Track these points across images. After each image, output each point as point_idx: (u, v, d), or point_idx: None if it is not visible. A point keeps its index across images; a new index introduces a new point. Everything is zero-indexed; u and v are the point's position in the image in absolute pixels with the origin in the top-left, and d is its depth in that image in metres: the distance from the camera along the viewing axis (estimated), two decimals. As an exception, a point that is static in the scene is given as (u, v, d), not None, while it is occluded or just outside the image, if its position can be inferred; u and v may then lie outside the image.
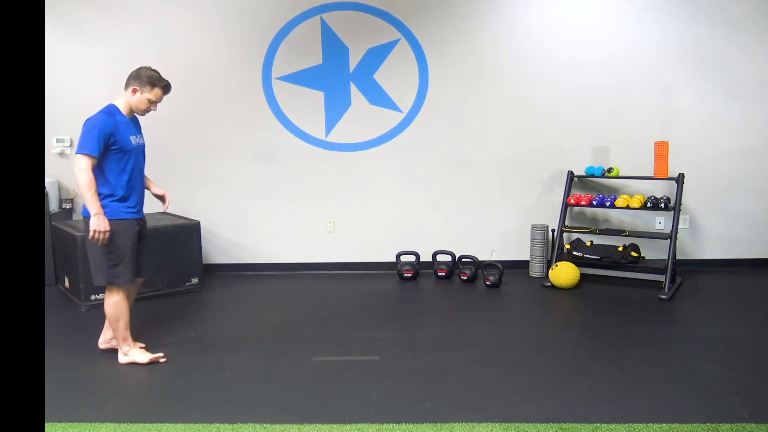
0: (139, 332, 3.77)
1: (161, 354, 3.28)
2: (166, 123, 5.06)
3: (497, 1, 4.94)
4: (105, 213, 3.02)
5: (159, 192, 3.47)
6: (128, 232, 3.11)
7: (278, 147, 5.09)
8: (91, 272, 3.17)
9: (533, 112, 5.04)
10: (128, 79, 3.15)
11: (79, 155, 2.97)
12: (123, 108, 3.14)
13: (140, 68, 3.16)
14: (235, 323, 3.96)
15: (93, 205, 2.97)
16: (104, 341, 3.43)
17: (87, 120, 3.04)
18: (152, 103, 3.17)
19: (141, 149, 3.23)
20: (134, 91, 3.12)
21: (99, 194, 3.02)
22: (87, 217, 3.06)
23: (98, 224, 2.98)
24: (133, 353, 3.24)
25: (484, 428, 2.53)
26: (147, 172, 5.06)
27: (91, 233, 3.00)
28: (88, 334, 3.79)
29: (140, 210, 3.23)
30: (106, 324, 3.35)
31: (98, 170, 3.04)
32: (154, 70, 3.17)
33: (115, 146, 3.04)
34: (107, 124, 3.01)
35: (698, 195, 5.04)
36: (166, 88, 3.19)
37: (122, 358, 3.24)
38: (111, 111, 3.09)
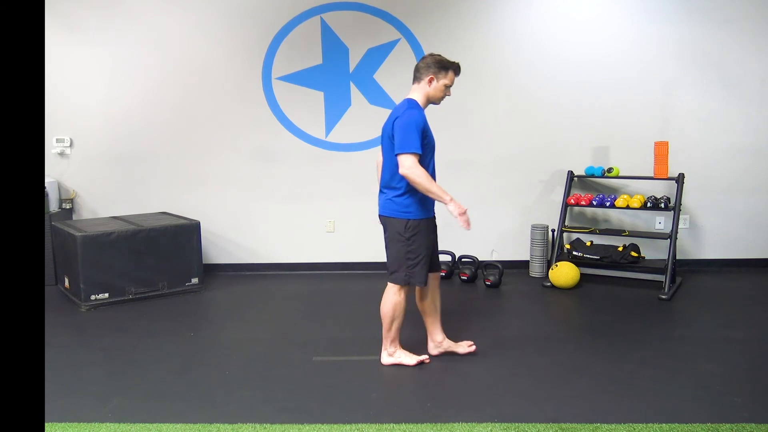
0: (140, 332, 3.78)
1: (426, 356, 3.21)
2: (167, 123, 5.08)
3: (497, 1, 4.95)
4: (411, 213, 2.97)
5: None
6: (428, 230, 3.04)
7: (278, 147, 5.09)
8: (389, 270, 3.09)
9: (533, 111, 5.04)
10: (418, 71, 3.05)
11: (404, 155, 2.86)
12: (421, 101, 3.04)
13: (425, 57, 3.05)
14: (235, 323, 3.96)
15: (443, 193, 2.87)
16: (435, 346, 3.28)
17: (400, 117, 2.93)
18: (447, 88, 3.06)
19: None
20: (430, 80, 3.01)
21: (407, 191, 2.95)
22: (389, 216, 3.00)
23: (459, 208, 2.88)
24: (399, 354, 3.17)
25: (484, 428, 2.53)
26: (148, 171, 5.12)
27: (462, 222, 2.89)
28: (88, 334, 3.80)
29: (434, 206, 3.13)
30: (430, 329, 3.24)
31: None
32: (439, 54, 3.06)
33: (425, 141, 2.95)
34: (421, 118, 2.93)
35: (698, 195, 5.04)
36: (457, 68, 3.05)
37: (386, 359, 3.17)
38: (416, 106, 3.00)
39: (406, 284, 3.06)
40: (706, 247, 5.16)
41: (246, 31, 4.98)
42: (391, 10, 4.93)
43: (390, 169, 3.00)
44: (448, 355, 3.31)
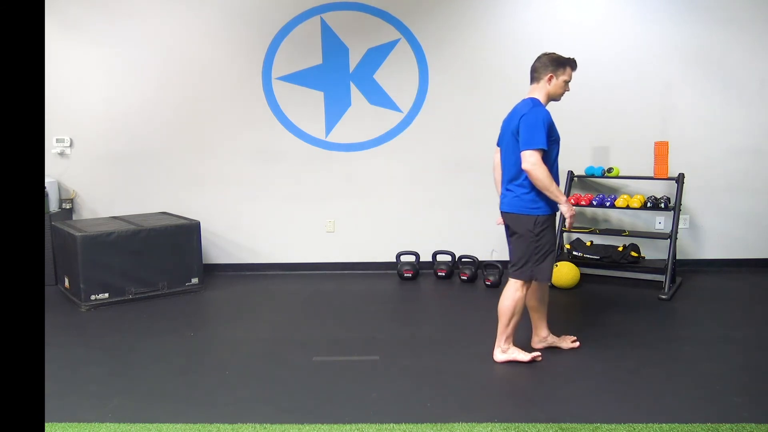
0: (141, 332, 3.78)
1: (539, 353, 3.22)
2: (167, 123, 5.08)
3: (497, 1, 4.94)
4: (540, 209, 3.01)
5: None
6: (554, 225, 3.10)
7: (278, 147, 5.09)
8: (513, 266, 3.10)
9: (533, 112, 5.03)
10: (536, 71, 3.10)
11: (531, 151, 2.90)
12: (543, 100, 3.08)
13: (540, 57, 3.10)
14: (235, 323, 3.96)
15: (560, 194, 2.96)
16: (539, 341, 3.34)
17: (527, 114, 2.97)
18: (566, 84, 3.10)
19: None
20: (550, 78, 3.06)
21: (536, 188, 2.99)
22: (518, 213, 3.02)
23: (571, 210, 3.00)
24: (513, 351, 3.19)
25: (484, 428, 2.53)
26: (148, 171, 5.12)
27: (568, 223, 3.05)
28: (88, 334, 3.80)
29: None
30: (537, 324, 3.31)
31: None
32: (553, 52, 3.10)
33: (552, 137, 3.00)
34: (548, 116, 2.98)
35: (698, 195, 5.04)
36: (573, 64, 3.10)
37: (500, 356, 3.18)
38: (540, 104, 3.05)
39: (530, 280, 3.08)
40: (706, 247, 5.16)
41: (246, 31, 4.98)
42: (391, 10, 4.93)
43: (517, 165, 3.02)
44: (450, 355, 3.32)
